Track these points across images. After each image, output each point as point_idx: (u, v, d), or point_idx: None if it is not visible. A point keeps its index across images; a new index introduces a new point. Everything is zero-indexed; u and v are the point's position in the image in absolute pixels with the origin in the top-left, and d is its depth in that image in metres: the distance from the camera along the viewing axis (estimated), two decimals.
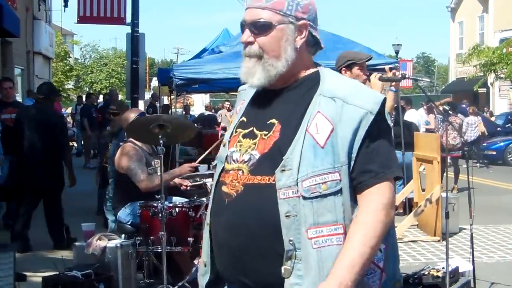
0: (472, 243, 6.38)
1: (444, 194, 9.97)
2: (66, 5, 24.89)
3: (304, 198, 2.40)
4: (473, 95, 35.65)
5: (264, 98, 2.60)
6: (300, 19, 2.51)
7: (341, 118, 2.42)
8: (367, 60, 5.97)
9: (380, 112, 2.48)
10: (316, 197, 2.41)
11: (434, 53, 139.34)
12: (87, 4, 14.85)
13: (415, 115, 16.80)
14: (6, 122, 9.47)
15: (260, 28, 2.49)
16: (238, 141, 2.60)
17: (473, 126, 19.08)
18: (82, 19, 15.39)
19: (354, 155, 2.44)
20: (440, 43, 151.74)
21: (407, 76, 7.05)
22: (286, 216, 2.41)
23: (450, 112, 7.34)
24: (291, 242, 2.40)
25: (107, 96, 20.53)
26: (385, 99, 2.53)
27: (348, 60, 5.80)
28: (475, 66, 30.43)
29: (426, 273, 6.55)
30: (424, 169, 10.85)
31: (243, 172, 2.53)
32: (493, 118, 28.37)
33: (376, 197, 2.46)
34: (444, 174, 8.97)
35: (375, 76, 5.89)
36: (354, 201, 2.47)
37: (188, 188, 7.03)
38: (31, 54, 23.37)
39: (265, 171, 2.47)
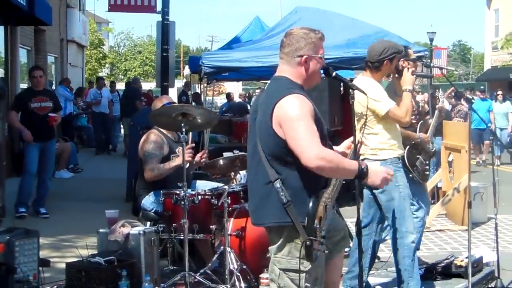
0: (496, 232, 6.33)
1: (472, 183, 9.92)
2: None
3: None
4: (509, 83, 35.17)
5: None
6: None
7: None
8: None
9: None
10: None
11: (470, 41, 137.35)
12: None
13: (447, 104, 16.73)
14: (36, 110, 9.58)
15: None
16: None
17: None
18: (113, 7, 15.53)
19: None
20: (477, 30, 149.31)
21: (432, 65, 7.04)
22: None
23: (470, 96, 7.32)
24: None
25: (132, 84, 20.32)
26: None
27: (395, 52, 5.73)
28: (511, 53, 30.07)
29: (449, 262, 6.53)
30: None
31: None
32: None
33: None
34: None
35: (407, 70, 5.85)
36: None
37: (203, 160, 6.90)
38: (64, 42, 23.56)
39: None
